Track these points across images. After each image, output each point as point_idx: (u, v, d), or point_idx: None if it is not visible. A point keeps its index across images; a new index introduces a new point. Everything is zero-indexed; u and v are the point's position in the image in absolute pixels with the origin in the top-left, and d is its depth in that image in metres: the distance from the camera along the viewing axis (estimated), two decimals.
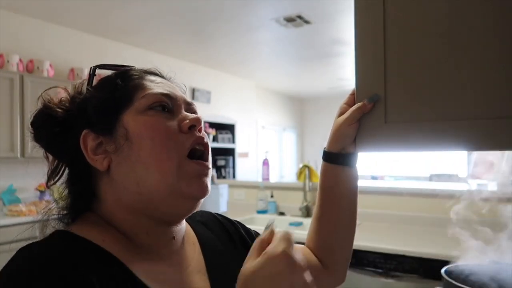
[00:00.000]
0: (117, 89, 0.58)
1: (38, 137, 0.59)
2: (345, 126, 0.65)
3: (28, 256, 0.47)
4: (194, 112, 0.61)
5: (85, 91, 0.62)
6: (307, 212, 2.85)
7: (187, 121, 0.56)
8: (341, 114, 0.67)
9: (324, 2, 3.60)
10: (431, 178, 6.83)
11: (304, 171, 2.90)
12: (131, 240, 0.56)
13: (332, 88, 7.77)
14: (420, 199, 2.53)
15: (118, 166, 0.55)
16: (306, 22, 4.07)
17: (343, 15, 3.96)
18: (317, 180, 2.94)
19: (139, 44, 4.78)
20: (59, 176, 0.60)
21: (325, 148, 0.72)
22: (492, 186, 2.57)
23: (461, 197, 2.56)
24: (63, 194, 0.60)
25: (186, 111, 0.59)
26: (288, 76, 6.93)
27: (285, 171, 8.66)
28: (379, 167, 8.20)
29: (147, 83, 0.59)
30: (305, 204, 2.85)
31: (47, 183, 0.60)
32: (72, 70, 3.97)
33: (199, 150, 0.57)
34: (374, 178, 7.23)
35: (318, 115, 9.25)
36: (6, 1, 3.43)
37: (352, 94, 0.68)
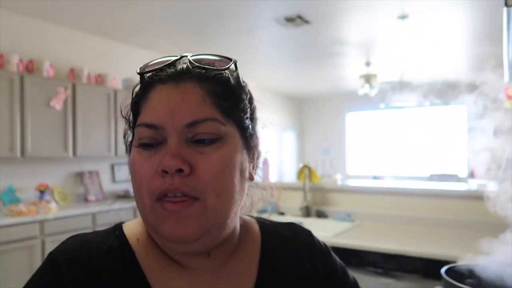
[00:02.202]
0: (132, 113, 0.55)
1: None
2: None
3: (65, 244, 0.53)
4: (202, 133, 0.48)
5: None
6: (307, 212, 2.85)
7: (160, 164, 0.47)
8: None
9: (324, 2, 3.60)
10: (431, 178, 6.84)
11: (304, 171, 2.89)
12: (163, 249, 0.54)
13: (332, 88, 7.77)
14: (420, 199, 2.53)
15: None
16: (306, 22, 4.06)
17: (343, 15, 3.96)
18: (317, 180, 2.94)
19: (139, 44, 4.77)
20: None
21: None
22: (492, 186, 2.56)
23: (461, 197, 2.56)
24: None
25: (188, 136, 0.48)
26: (288, 76, 6.93)
27: (285, 171, 8.66)
28: (379, 167, 8.20)
29: (147, 103, 0.51)
30: (305, 204, 2.85)
31: None
32: (72, 70, 3.97)
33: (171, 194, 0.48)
34: (375, 178, 7.22)
35: (318, 115, 9.24)
36: (6, 1, 3.43)
37: None
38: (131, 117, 0.55)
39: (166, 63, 0.52)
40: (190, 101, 0.49)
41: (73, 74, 3.96)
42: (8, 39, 3.58)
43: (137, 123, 0.51)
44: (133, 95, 0.54)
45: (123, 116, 0.57)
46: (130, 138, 0.55)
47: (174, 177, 0.46)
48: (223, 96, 0.51)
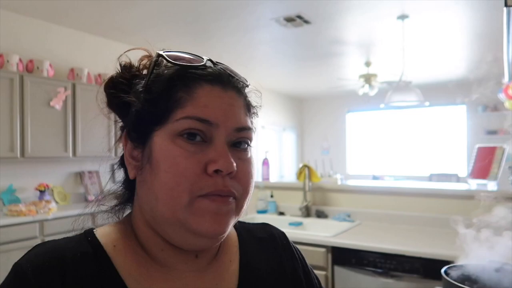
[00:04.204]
0: (160, 98, 0.51)
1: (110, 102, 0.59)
2: None
3: (33, 252, 0.50)
4: (245, 139, 0.53)
5: (144, 80, 0.54)
6: (307, 212, 2.85)
7: (215, 164, 0.48)
8: None
9: (324, 2, 3.60)
10: (431, 178, 6.83)
11: (304, 171, 2.89)
12: (147, 252, 0.53)
13: (332, 88, 7.76)
14: (420, 199, 2.53)
15: (140, 183, 0.53)
16: (306, 22, 4.06)
17: (343, 15, 3.96)
18: (317, 180, 2.94)
19: (139, 44, 4.75)
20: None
21: None
22: (491, 186, 2.57)
23: (461, 197, 2.57)
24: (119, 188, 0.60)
25: (232, 139, 0.51)
26: (288, 76, 6.93)
27: (285, 171, 8.65)
28: (379, 167, 8.20)
29: (194, 99, 0.50)
30: (305, 204, 2.85)
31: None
32: (72, 70, 3.97)
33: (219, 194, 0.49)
34: (375, 178, 7.22)
35: (318, 115, 9.24)
36: (6, 1, 3.43)
37: None
38: (146, 95, 0.52)
39: (202, 62, 0.53)
40: (237, 108, 0.53)
41: (73, 74, 3.96)
42: (8, 39, 3.58)
43: (184, 115, 0.49)
44: (158, 78, 0.52)
45: (140, 95, 0.53)
46: (142, 117, 0.52)
47: (225, 179, 0.49)
48: (250, 110, 0.57)
